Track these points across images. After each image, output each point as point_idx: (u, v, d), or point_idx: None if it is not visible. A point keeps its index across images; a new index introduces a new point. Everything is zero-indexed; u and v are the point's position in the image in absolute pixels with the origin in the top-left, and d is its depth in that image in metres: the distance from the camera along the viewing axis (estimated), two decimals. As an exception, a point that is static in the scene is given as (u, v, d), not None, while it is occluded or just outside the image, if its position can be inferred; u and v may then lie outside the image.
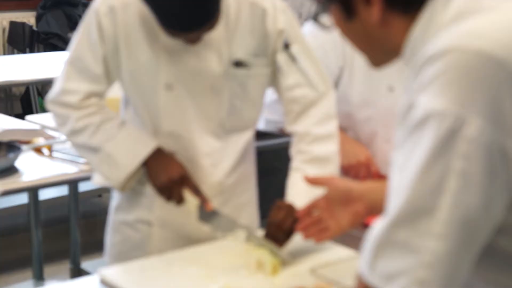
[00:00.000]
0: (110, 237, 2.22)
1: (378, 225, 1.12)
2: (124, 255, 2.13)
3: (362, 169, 2.39)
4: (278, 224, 1.89)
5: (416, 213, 1.08)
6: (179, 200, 1.99)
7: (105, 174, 2.07)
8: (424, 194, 1.07)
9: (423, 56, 1.13)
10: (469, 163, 1.06)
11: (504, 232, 1.13)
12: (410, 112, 1.11)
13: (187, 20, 1.83)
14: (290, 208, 1.92)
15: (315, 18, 1.28)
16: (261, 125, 2.43)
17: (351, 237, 1.87)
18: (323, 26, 1.30)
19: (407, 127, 1.11)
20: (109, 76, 2.05)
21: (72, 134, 2.06)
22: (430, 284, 1.07)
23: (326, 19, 1.29)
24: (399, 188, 1.10)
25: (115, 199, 2.19)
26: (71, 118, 2.04)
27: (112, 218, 2.20)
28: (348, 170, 2.40)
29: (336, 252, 1.94)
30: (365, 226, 1.89)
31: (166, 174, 1.99)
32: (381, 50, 1.27)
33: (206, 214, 1.98)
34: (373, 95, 2.40)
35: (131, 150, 2.02)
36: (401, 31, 1.21)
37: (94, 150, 2.04)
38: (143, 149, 2.02)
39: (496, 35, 1.12)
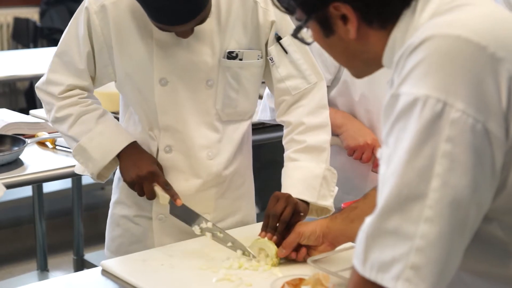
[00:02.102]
0: (110, 231, 2.23)
1: (369, 218, 1.12)
2: (124, 249, 2.15)
3: (368, 150, 2.43)
4: (278, 216, 1.90)
5: (405, 199, 1.08)
6: (150, 196, 2.02)
7: (81, 164, 2.12)
8: (412, 180, 1.08)
9: (403, 50, 1.15)
10: (455, 145, 1.07)
11: (492, 218, 1.14)
12: (394, 104, 1.12)
13: (176, 13, 1.84)
14: (289, 198, 1.93)
15: (295, 34, 1.29)
16: (267, 115, 2.45)
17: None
18: (303, 41, 1.31)
19: (391, 119, 1.12)
20: (95, 74, 2.09)
21: (55, 122, 2.12)
22: (423, 269, 1.07)
23: (306, 33, 1.30)
24: (386, 179, 1.11)
25: (115, 194, 2.21)
26: (54, 107, 2.09)
27: (112, 212, 2.22)
28: (354, 151, 2.44)
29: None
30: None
31: (135, 171, 2.01)
32: (361, 62, 1.29)
33: (177, 209, 2.01)
34: (373, 89, 2.42)
35: (104, 146, 2.06)
36: (379, 43, 1.23)
37: (72, 140, 2.10)
38: (116, 145, 2.05)
39: (474, 24, 1.14)
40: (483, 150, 1.08)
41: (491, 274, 1.21)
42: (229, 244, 1.94)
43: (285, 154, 2.09)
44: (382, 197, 1.10)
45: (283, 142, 2.12)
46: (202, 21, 1.91)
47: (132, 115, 2.12)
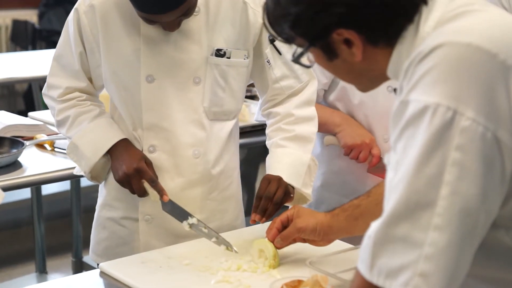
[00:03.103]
0: (96, 234, 2.23)
1: (375, 224, 1.12)
2: (111, 252, 2.15)
3: (365, 149, 2.43)
4: (271, 197, 1.95)
5: (414, 207, 1.08)
6: (140, 193, 2.02)
7: (75, 163, 2.14)
8: (422, 187, 1.08)
9: (412, 58, 1.14)
10: (464, 153, 1.07)
11: (499, 225, 1.14)
12: (403, 111, 1.12)
13: (161, 1, 1.84)
14: (280, 181, 1.98)
15: (296, 59, 1.28)
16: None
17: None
18: (305, 66, 1.31)
19: (400, 126, 1.12)
20: (89, 74, 2.10)
21: (57, 125, 2.16)
22: (432, 276, 1.07)
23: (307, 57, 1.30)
24: (394, 185, 1.11)
25: (101, 196, 2.20)
26: (55, 110, 2.13)
27: (98, 215, 2.22)
28: (351, 150, 2.44)
29: (333, 245, 1.93)
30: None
31: (122, 169, 2.02)
32: (367, 79, 1.29)
33: (167, 205, 2.01)
34: (372, 94, 2.41)
35: (95, 142, 2.07)
36: (386, 58, 1.23)
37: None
38: (106, 142, 2.06)
39: (484, 31, 1.13)
40: (493, 158, 1.09)
41: (497, 280, 1.22)
42: (213, 239, 1.95)
43: (272, 141, 2.12)
44: (390, 203, 1.10)
45: (267, 131, 2.16)
46: (188, 12, 1.92)
47: (120, 118, 2.12)
